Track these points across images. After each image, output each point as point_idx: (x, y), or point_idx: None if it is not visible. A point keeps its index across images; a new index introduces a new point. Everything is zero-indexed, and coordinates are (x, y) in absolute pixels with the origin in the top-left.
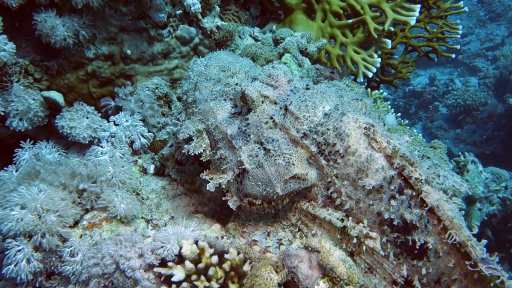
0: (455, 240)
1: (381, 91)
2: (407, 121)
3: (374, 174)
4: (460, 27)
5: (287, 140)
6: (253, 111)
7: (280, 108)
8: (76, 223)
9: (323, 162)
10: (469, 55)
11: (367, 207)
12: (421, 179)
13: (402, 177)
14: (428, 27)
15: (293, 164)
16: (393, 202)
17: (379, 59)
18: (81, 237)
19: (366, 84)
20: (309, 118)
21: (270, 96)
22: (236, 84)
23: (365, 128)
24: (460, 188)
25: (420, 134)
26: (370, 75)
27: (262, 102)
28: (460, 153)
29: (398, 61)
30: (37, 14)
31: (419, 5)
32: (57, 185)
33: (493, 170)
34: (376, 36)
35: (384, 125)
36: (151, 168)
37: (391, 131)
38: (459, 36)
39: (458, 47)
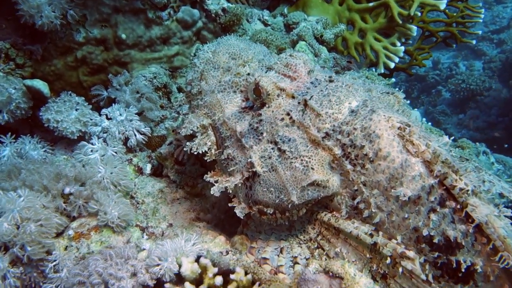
0: (508, 263)
1: (392, 79)
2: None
3: (410, 183)
4: (483, 10)
5: (306, 140)
6: (267, 105)
7: (299, 103)
8: (61, 233)
9: (349, 167)
10: (473, 38)
11: (401, 221)
12: (467, 190)
13: (444, 187)
14: (447, 10)
15: (312, 169)
16: (433, 216)
17: (403, 48)
18: (66, 249)
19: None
20: (332, 116)
21: (287, 88)
22: (248, 74)
23: (399, 128)
24: (509, 195)
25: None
26: (392, 65)
27: (278, 95)
28: (471, 142)
29: (413, 47)
30: None
31: None
32: (39, 189)
33: (497, 157)
34: (400, 22)
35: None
36: (148, 168)
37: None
38: (481, 20)
39: (480, 32)
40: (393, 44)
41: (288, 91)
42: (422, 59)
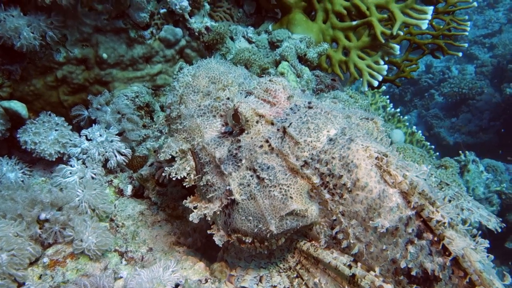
0: None
1: (383, 86)
2: (399, 109)
3: (388, 214)
4: (469, 23)
5: (284, 168)
6: (246, 131)
7: (278, 130)
8: (36, 260)
9: (327, 196)
10: (465, 41)
11: (379, 253)
12: (444, 222)
13: (421, 219)
14: (434, 23)
15: (291, 198)
16: (410, 248)
17: (386, 66)
18: (40, 277)
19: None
20: (311, 144)
21: (267, 115)
22: (228, 98)
23: (376, 158)
24: (487, 224)
25: (414, 127)
26: (376, 83)
27: (257, 122)
28: (461, 152)
29: (401, 59)
30: None
31: (431, 7)
32: (13, 217)
33: (489, 162)
34: (383, 41)
35: (395, 146)
36: (128, 189)
37: (399, 151)
38: (467, 33)
39: (466, 45)
40: (377, 63)
41: (267, 117)
42: (409, 70)
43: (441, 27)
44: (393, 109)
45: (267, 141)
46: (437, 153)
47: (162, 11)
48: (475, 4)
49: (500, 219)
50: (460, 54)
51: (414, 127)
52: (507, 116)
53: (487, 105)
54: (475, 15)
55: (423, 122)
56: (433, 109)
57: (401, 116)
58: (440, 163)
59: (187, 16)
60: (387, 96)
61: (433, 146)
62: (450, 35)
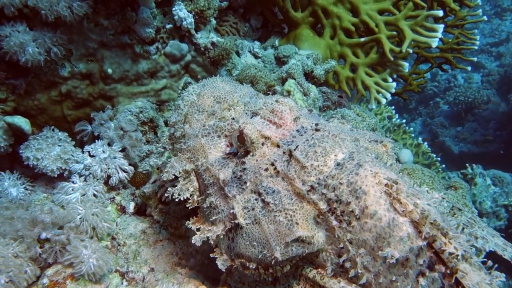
0: None
1: (392, 107)
2: (405, 120)
3: (398, 244)
4: (478, 37)
5: (290, 192)
6: (251, 153)
7: (284, 152)
8: (35, 281)
9: (334, 223)
10: (472, 50)
11: (389, 284)
12: (457, 255)
13: (433, 250)
14: (442, 36)
15: (297, 223)
16: (421, 280)
17: (394, 84)
18: None
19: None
20: (318, 168)
21: (272, 137)
22: (233, 118)
23: (386, 185)
24: (503, 253)
25: (420, 139)
26: (384, 101)
27: (263, 144)
28: (467, 164)
29: (409, 72)
30: (0, 27)
31: (442, 25)
32: (13, 236)
33: (495, 173)
34: (391, 58)
35: (405, 171)
36: (131, 207)
37: (408, 171)
38: (476, 47)
39: (475, 59)
40: (385, 80)
41: (273, 139)
42: (417, 84)
43: (450, 40)
44: (398, 120)
45: (272, 164)
46: (443, 165)
47: (168, 26)
48: (484, 18)
49: None
50: (469, 68)
51: (420, 138)
52: None
53: (493, 114)
54: (482, 23)
55: (427, 131)
56: (438, 117)
57: (407, 127)
58: (450, 183)
59: (193, 32)
60: (393, 107)
61: (439, 159)
62: (458, 49)
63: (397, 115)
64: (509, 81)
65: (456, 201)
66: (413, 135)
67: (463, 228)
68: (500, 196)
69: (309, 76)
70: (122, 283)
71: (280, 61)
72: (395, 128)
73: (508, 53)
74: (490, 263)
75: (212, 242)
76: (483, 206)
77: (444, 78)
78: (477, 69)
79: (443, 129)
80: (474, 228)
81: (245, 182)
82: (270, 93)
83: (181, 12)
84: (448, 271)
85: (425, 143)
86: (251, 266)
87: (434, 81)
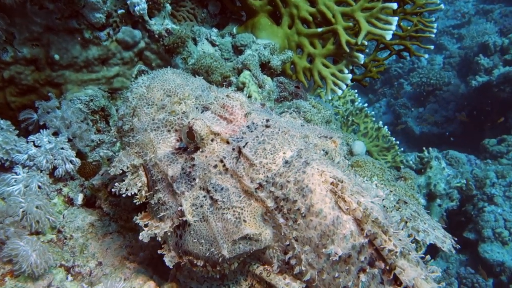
0: None
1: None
2: (366, 104)
3: (341, 241)
4: (435, 25)
5: (238, 190)
6: (200, 150)
7: (233, 149)
8: None
9: (281, 220)
10: (435, 32)
11: (331, 280)
12: (396, 252)
13: (374, 247)
14: (401, 23)
15: (245, 221)
16: (362, 276)
17: (350, 75)
18: None
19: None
20: (266, 166)
21: (222, 133)
22: (184, 113)
23: (331, 183)
24: (442, 246)
25: (381, 122)
26: (340, 92)
27: (212, 140)
28: (424, 148)
29: (368, 59)
30: None
31: (396, 18)
32: None
33: (452, 154)
34: (347, 50)
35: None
36: (79, 198)
37: (359, 164)
38: (433, 35)
39: (432, 47)
40: (341, 71)
41: (223, 135)
42: (376, 71)
43: (409, 28)
44: (361, 104)
45: (221, 161)
46: (402, 149)
47: (120, 11)
48: (442, 6)
49: (453, 237)
50: (426, 56)
51: (381, 122)
52: (471, 107)
53: (453, 96)
54: (446, 5)
55: (391, 111)
56: (402, 98)
57: (368, 111)
58: (400, 174)
59: (146, 18)
60: (356, 90)
61: (398, 142)
62: (417, 37)
63: (359, 98)
64: (469, 63)
65: (404, 192)
66: (374, 119)
67: (406, 222)
68: (453, 179)
69: (266, 66)
70: (67, 278)
71: (238, 49)
72: (357, 111)
73: (468, 35)
74: (428, 257)
75: (160, 239)
76: (437, 188)
77: (408, 59)
78: (440, 51)
79: (406, 110)
80: (416, 222)
81: (194, 179)
82: (225, 84)
83: None
84: (387, 267)
85: (385, 127)
86: (198, 264)
87: (399, 62)
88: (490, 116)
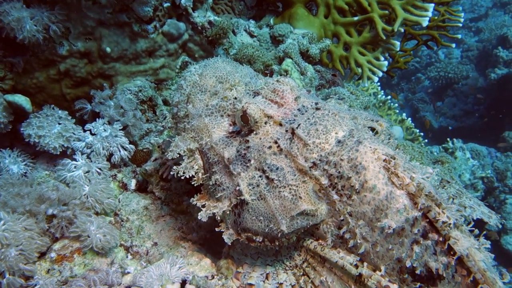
0: None
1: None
2: (390, 96)
3: (395, 215)
4: (462, 14)
5: (293, 169)
6: (254, 132)
7: (286, 131)
8: (43, 254)
9: (335, 197)
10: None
11: (385, 252)
12: (449, 223)
13: (427, 220)
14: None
15: (301, 198)
16: (416, 247)
17: (386, 62)
18: (48, 272)
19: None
20: (319, 145)
21: (275, 116)
22: (235, 98)
23: (384, 160)
24: (489, 220)
25: (404, 114)
26: (376, 79)
27: (266, 123)
28: (448, 139)
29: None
30: None
31: (432, 4)
32: (21, 212)
33: (472, 147)
34: (384, 37)
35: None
36: (132, 184)
37: (399, 147)
38: (460, 24)
39: (459, 36)
40: (377, 59)
41: (275, 118)
42: (404, 61)
43: (436, 18)
44: (383, 96)
45: (275, 142)
46: (426, 140)
47: (165, 5)
48: None
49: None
50: (454, 45)
51: (404, 114)
52: (491, 100)
53: (472, 89)
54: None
55: (409, 106)
56: (420, 92)
57: (391, 104)
58: (437, 158)
59: (190, 10)
60: (378, 83)
61: (422, 133)
62: (444, 26)
63: (382, 91)
64: (487, 56)
65: (443, 174)
66: (397, 111)
67: (453, 199)
68: (478, 169)
69: (304, 55)
70: (127, 257)
71: (276, 40)
72: (381, 104)
73: (486, 28)
74: (477, 231)
75: (218, 218)
76: (462, 178)
77: (425, 54)
78: (457, 45)
79: (424, 104)
80: (462, 199)
81: (249, 160)
82: (268, 72)
83: None
84: (440, 239)
85: (409, 119)
86: (257, 239)
87: (416, 57)
88: (510, 109)
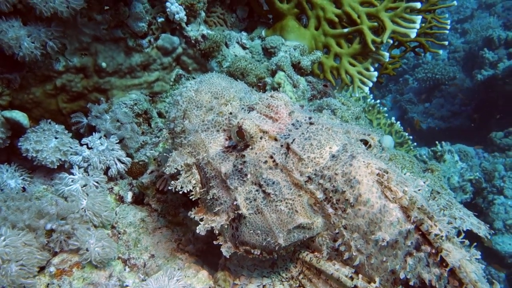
0: None
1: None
2: (379, 100)
3: (389, 228)
4: (449, 21)
5: (289, 183)
6: (250, 147)
7: (281, 145)
8: (42, 268)
9: (330, 210)
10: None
11: (379, 264)
12: (442, 236)
13: (420, 232)
14: None
15: (297, 211)
16: (409, 259)
17: (376, 73)
18: (47, 286)
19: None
20: (314, 160)
21: (270, 131)
22: (231, 113)
23: (377, 174)
24: (478, 231)
25: (393, 118)
26: (366, 89)
27: (261, 138)
28: (437, 142)
29: None
30: None
31: (419, 16)
32: (21, 227)
33: (460, 147)
34: (373, 49)
35: (389, 157)
36: (129, 196)
37: (390, 157)
38: (447, 31)
39: (446, 43)
40: (367, 69)
41: (270, 133)
42: (392, 67)
43: (423, 25)
44: (373, 100)
45: (271, 157)
46: (415, 143)
47: (160, 19)
48: (455, 3)
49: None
50: (441, 52)
51: (393, 118)
52: (478, 101)
53: (459, 90)
54: (449, 1)
55: (397, 107)
56: (407, 94)
57: (380, 107)
58: (427, 166)
59: (184, 25)
60: (367, 89)
61: (411, 137)
62: (431, 33)
63: (371, 95)
64: (473, 57)
65: (434, 183)
66: (386, 115)
67: (443, 211)
68: (466, 172)
69: (296, 67)
70: (125, 270)
71: (268, 52)
72: (370, 108)
73: (472, 30)
74: (467, 242)
75: (217, 232)
76: (451, 181)
77: (412, 55)
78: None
79: (412, 105)
80: (452, 210)
81: (246, 175)
82: (261, 84)
83: (173, 6)
84: (433, 251)
85: (398, 122)
86: (255, 252)
87: (404, 58)
88: (496, 109)
